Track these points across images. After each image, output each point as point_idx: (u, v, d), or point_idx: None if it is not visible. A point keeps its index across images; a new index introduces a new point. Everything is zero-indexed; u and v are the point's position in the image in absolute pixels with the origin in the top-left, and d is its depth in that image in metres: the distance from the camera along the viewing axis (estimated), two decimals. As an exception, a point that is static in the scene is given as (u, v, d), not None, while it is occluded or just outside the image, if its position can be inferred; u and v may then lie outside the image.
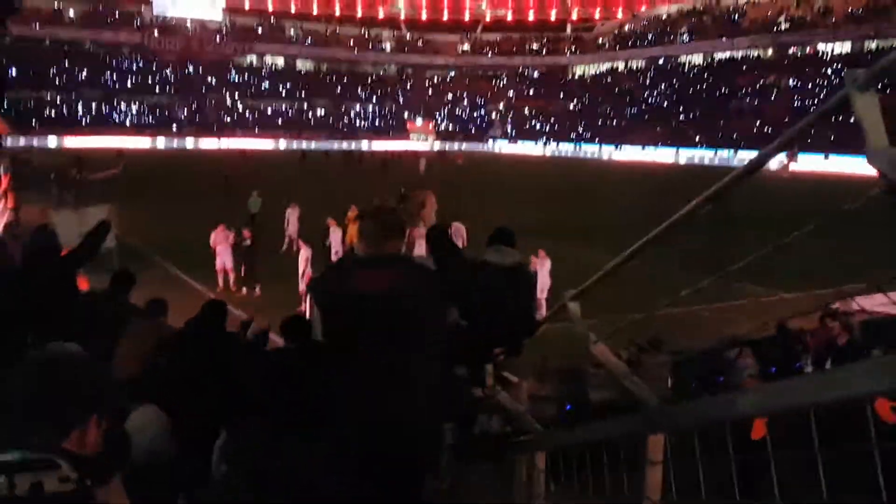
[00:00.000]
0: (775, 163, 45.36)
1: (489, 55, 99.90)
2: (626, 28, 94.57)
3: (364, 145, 75.25)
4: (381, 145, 73.34)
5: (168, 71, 79.55)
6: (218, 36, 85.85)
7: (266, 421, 3.42)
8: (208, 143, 68.80)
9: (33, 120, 63.36)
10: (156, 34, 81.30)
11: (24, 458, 1.44)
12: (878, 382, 1.35)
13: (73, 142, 59.43)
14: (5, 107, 57.52)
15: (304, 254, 14.12)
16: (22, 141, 55.91)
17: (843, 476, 1.81)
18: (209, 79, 79.59)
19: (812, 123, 1.77)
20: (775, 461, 1.80)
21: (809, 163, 50.44)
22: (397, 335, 2.71)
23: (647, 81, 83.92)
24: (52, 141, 61.23)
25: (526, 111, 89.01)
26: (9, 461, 1.43)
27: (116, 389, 3.39)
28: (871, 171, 1.39)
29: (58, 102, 69.19)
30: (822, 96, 60.73)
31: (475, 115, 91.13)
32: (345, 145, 73.97)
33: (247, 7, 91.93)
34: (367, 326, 2.72)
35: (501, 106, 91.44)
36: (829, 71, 65.55)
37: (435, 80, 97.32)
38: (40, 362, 1.61)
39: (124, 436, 2.14)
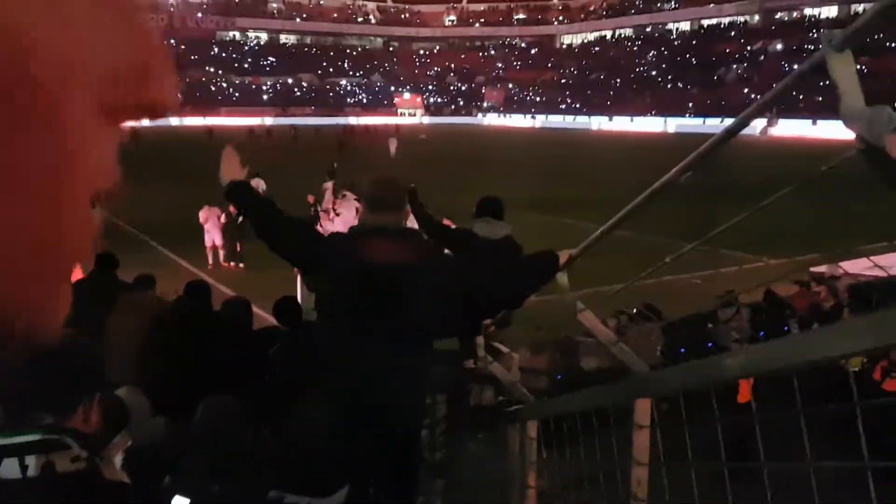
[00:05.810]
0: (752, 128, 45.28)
1: (476, 26, 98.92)
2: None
3: (352, 120, 74.56)
4: (368, 120, 72.60)
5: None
6: (199, 11, 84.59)
7: (249, 398, 3.44)
8: (192, 121, 68.02)
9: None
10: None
11: (35, 439, 1.44)
12: (860, 342, 1.37)
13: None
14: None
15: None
16: None
17: (829, 436, 1.84)
18: (192, 55, 78.55)
19: (790, 86, 1.76)
20: (761, 424, 1.83)
21: (796, 128, 50.56)
22: (397, 307, 2.67)
23: (636, 49, 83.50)
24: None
25: (514, 83, 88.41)
26: (19, 443, 1.43)
27: (115, 366, 3.39)
28: (851, 135, 1.39)
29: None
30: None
31: (463, 87, 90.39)
32: (331, 121, 73.37)
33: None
34: (368, 297, 2.66)
35: (487, 78, 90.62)
36: (817, 35, 65.22)
37: (422, 53, 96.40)
38: (47, 348, 1.60)
39: (123, 407, 2.14)
